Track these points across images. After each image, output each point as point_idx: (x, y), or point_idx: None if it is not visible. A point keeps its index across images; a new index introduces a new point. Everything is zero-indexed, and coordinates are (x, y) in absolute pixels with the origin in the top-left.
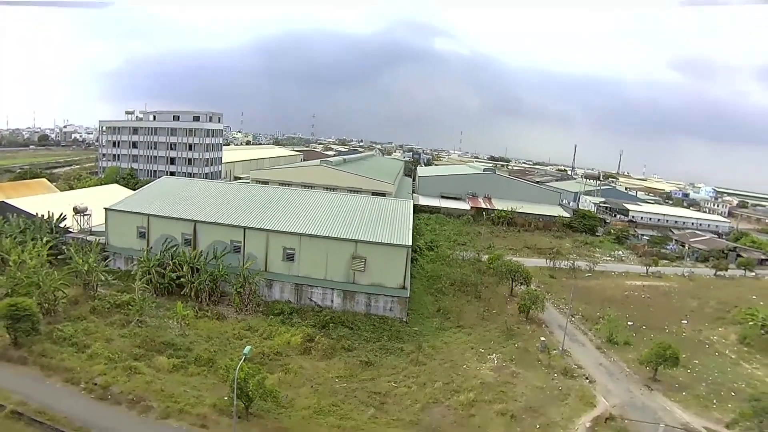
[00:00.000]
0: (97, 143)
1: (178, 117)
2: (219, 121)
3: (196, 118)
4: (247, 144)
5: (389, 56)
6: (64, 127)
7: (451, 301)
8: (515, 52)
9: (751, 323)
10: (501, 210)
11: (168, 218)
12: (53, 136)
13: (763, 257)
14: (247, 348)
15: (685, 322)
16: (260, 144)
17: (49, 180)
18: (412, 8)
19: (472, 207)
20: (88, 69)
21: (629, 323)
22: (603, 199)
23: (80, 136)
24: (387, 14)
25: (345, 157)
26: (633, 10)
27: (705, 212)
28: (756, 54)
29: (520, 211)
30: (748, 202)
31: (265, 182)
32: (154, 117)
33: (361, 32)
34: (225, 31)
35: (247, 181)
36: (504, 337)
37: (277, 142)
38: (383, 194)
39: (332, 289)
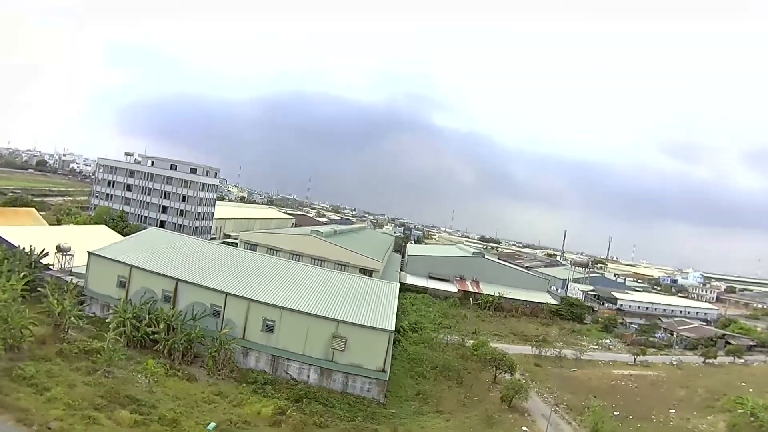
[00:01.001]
0: (93, 177)
1: (176, 167)
2: (215, 177)
3: (194, 171)
4: (241, 200)
5: (389, 125)
6: (64, 155)
7: (432, 386)
8: (512, 130)
9: (740, 411)
10: (488, 294)
11: (150, 272)
12: (51, 162)
13: (751, 344)
14: (212, 425)
15: (673, 411)
16: (254, 202)
17: (38, 209)
18: (415, 80)
19: (459, 290)
20: (96, 99)
21: (615, 413)
22: (591, 287)
23: (78, 167)
24: (390, 82)
25: (336, 227)
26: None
27: (694, 298)
28: (743, 138)
29: (507, 296)
30: (735, 287)
31: (254, 245)
32: (152, 163)
33: (365, 98)
34: (233, 82)
35: (236, 241)
36: (484, 425)
37: (271, 201)
38: (371, 271)
39: (310, 364)
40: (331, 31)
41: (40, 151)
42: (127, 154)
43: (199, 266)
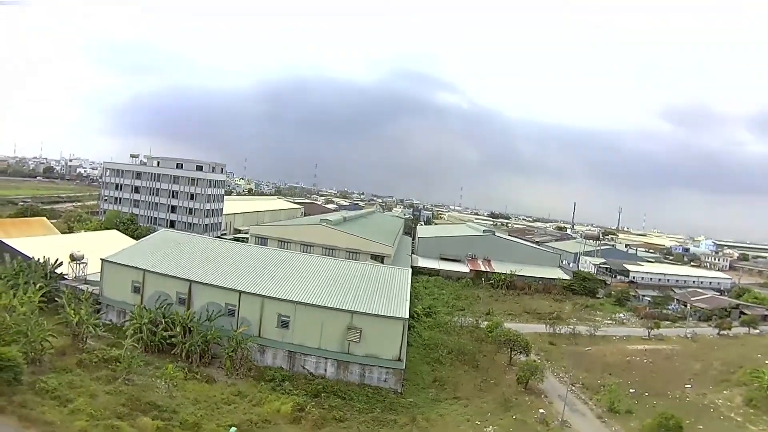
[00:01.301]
0: (100, 180)
1: (182, 165)
2: (222, 172)
3: (200, 168)
4: (249, 192)
5: (391, 107)
6: (70, 160)
7: (448, 371)
8: (514, 105)
9: (756, 384)
10: (500, 273)
11: (164, 275)
12: (58, 168)
13: (766, 313)
14: (233, 429)
15: (689, 386)
16: (262, 193)
17: (49, 217)
18: (414, 59)
19: (471, 270)
20: (98, 100)
21: (631, 390)
22: (603, 260)
23: (85, 171)
24: (389, 63)
25: (345, 214)
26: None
27: (706, 267)
28: (749, 102)
29: (519, 274)
30: (748, 255)
31: (265, 238)
32: (158, 163)
33: (364, 81)
34: (233, 73)
35: (247, 235)
36: (501, 409)
37: (279, 191)
38: (382, 257)
39: (326, 358)
40: (331, 19)
41: (46, 158)
42: (132, 156)
43: (211, 266)
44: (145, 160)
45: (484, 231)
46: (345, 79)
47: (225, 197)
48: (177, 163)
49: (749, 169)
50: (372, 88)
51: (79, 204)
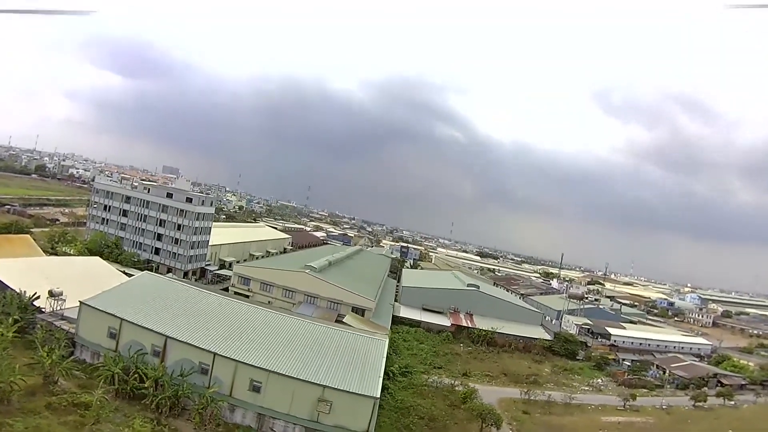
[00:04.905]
0: (92, 183)
1: (172, 195)
2: (211, 205)
3: (189, 200)
4: (240, 209)
5: (389, 133)
6: (63, 159)
7: None
8: (510, 138)
9: None
10: (481, 330)
11: (140, 327)
12: (51, 166)
13: (743, 383)
14: None
15: None
16: (253, 211)
17: (35, 226)
18: (415, 90)
19: (453, 324)
20: (97, 97)
21: None
22: (586, 320)
23: (77, 172)
24: (388, 87)
25: (331, 258)
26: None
27: (690, 322)
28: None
29: (501, 331)
30: (731, 312)
31: (248, 279)
32: (149, 190)
33: (362, 101)
34: (233, 82)
35: (230, 273)
36: None
37: (270, 210)
38: (363, 310)
39: (295, 424)
40: (333, 32)
41: (40, 152)
42: (123, 178)
43: (188, 320)
44: (136, 185)
45: (469, 285)
46: (344, 98)
47: (213, 221)
48: (167, 193)
49: (737, 218)
50: (370, 111)
51: (67, 211)
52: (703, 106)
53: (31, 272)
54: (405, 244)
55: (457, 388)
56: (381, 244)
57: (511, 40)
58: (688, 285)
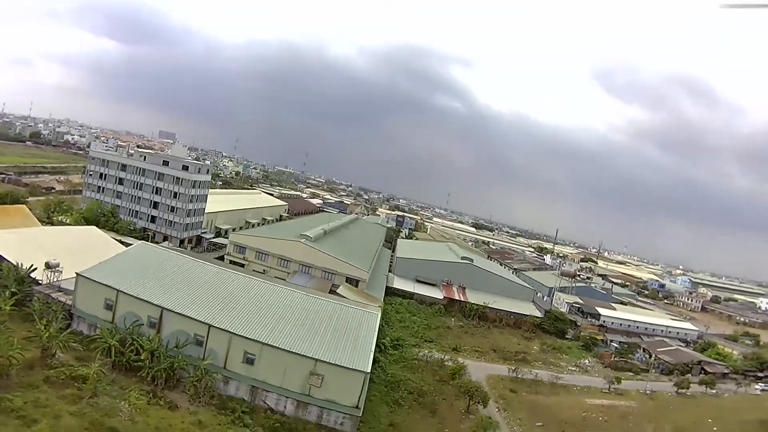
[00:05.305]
0: (88, 149)
1: (168, 163)
2: (207, 173)
3: (185, 168)
4: (236, 175)
5: (389, 101)
6: (58, 126)
7: (405, 415)
8: (510, 109)
9: None
10: (473, 304)
11: (136, 298)
12: (46, 133)
13: (726, 371)
14: None
15: None
16: (249, 177)
17: (30, 196)
18: (416, 58)
19: (445, 297)
20: (92, 63)
21: None
22: (576, 298)
23: (72, 138)
24: (389, 54)
25: (326, 227)
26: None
27: (679, 306)
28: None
29: (492, 306)
30: (720, 297)
31: (244, 247)
32: (145, 158)
33: (362, 69)
34: (231, 47)
35: (226, 241)
36: None
37: (266, 175)
38: (357, 281)
39: (287, 396)
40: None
41: (35, 119)
42: (119, 146)
43: (184, 292)
44: (132, 153)
45: (463, 258)
46: (343, 65)
47: (210, 187)
48: (163, 161)
49: (733, 204)
50: (370, 78)
51: (62, 179)
52: (706, 90)
53: (27, 243)
54: (401, 214)
55: (447, 363)
56: (377, 213)
57: (514, 15)
58: (680, 267)
